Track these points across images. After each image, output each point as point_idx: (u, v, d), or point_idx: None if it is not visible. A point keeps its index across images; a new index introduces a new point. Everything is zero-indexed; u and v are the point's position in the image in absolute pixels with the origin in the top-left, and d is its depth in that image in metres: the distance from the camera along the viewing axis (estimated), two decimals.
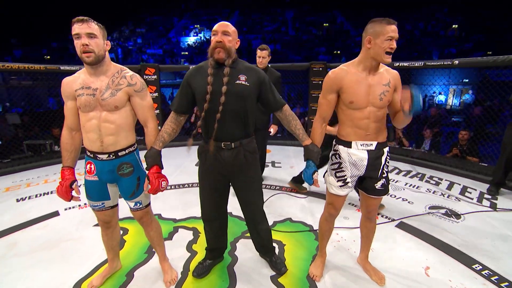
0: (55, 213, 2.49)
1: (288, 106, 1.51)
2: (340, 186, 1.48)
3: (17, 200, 2.79)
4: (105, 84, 1.33)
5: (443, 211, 2.53)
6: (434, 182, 3.24)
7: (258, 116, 1.85)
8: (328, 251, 1.89)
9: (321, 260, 1.74)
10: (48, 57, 14.96)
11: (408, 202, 2.71)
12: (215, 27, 1.35)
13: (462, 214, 2.46)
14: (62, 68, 3.76)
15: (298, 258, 1.86)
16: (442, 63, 3.42)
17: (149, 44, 17.28)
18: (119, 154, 1.38)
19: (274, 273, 1.72)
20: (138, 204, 1.49)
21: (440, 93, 10.56)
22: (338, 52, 15.22)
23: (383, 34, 1.23)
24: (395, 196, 2.83)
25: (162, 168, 1.41)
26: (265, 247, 1.73)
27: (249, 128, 1.45)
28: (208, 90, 1.31)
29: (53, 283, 1.63)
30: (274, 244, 1.96)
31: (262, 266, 1.78)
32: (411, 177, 3.41)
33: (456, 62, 3.33)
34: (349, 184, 1.47)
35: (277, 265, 1.73)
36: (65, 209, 2.55)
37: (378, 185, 1.46)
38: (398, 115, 1.38)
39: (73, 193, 1.39)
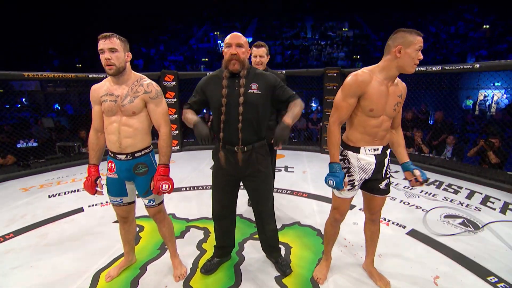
0: (80, 209, 2.71)
1: (299, 100, 1.49)
2: (348, 190, 1.51)
3: (49, 196, 3.06)
4: (125, 92, 1.47)
5: (460, 220, 2.44)
6: (452, 191, 3.11)
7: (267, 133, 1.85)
8: (335, 255, 1.91)
9: (326, 263, 1.76)
10: (80, 65, 16.09)
11: (422, 210, 2.63)
12: (228, 39, 1.43)
13: (481, 225, 2.36)
14: (90, 76, 4.08)
15: (303, 261, 1.89)
16: (461, 67, 3.31)
17: (171, 51, 18.03)
18: (136, 155, 1.52)
19: (279, 274, 1.76)
20: (152, 202, 1.61)
21: (468, 97, 9.98)
22: (358, 56, 14.95)
23: (414, 44, 1.23)
24: (408, 204, 2.77)
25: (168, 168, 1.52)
26: (271, 247, 1.79)
27: (261, 132, 1.54)
28: (223, 102, 1.42)
29: (76, 271, 1.80)
30: (281, 246, 2.01)
31: (268, 266, 1.83)
32: (428, 184, 3.30)
33: (477, 65, 3.20)
34: (356, 187, 1.51)
35: (283, 267, 1.77)
36: (89, 206, 2.77)
37: (382, 185, 1.50)
38: (392, 135, 1.51)
39: (97, 188, 1.55)
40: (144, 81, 1.53)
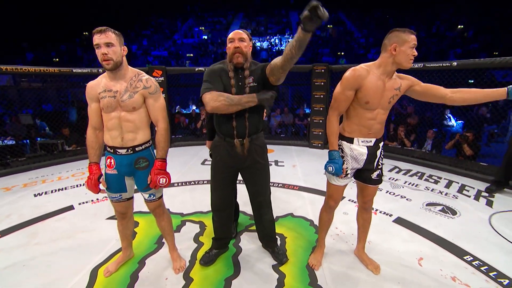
0: (70, 207, 2.64)
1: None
2: (342, 177, 1.60)
3: (35, 195, 2.96)
4: (124, 87, 1.46)
5: (440, 207, 2.62)
6: (433, 181, 3.32)
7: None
8: (328, 243, 2.01)
9: (320, 250, 1.85)
10: (57, 59, 15.32)
11: (407, 199, 2.80)
12: (231, 35, 1.48)
13: (458, 211, 2.55)
14: (74, 70, 3.94)
15: (298, 249, 1.98)
16: (441, 65, 3.51)
17: (154, 46, 17.56)
18: (136, 149, 1.52)
19: (276, 262, 1.83)
20: (152, 196, 1.62)
21: None
22: (342, 53, 15.27)
23: (408, 42, 1.33)
24: (394, 194, 2.93)
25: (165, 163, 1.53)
26: (268, 236, 1.85)
27: (259, 124, 1.60)
28: (233, 92, 1.45)
29: (72, 268, 1.78)
30: (277, 237, 2.09)
31: (265, 256, 1.90)
32: (411, 175, 3.50)
33: (455, 63, 3.41)
34: (349, 176, 1.60)
35: (279, 256, 1.85)
36: (79, 204, 2.71)
37: (374, 175, 1.60)
38: (462, 94, 1.43)
39: (100, 186, 1.53)
40: (143, 76, 1.53)
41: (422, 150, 4.49)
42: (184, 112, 8.83)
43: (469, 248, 1.98)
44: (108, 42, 1.37)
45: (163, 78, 4.63)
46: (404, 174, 3.57)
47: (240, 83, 1.48)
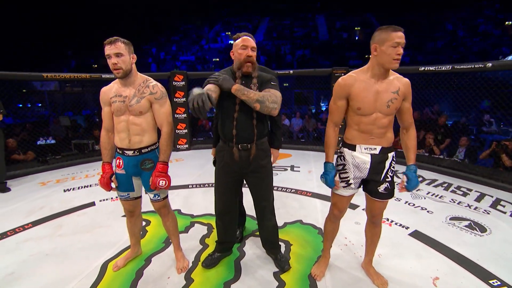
0: (92, 203, 2.85)
1: (274, 90, 1.49)
2: (344, 187, 1.53)
3: (64, 191, 3.24)
4: (132, 93, 1.56)
5: (466, 223, 2.39)
6: (461, 193, 3.04)
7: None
8: (334, 254, 1.93)
9: (324, 260, 1.79)
10: (96, 65, 16.68)
11: (428, 211, 2.60)
12: (243, 42, 1.49)
13: (489, 228, 2.31)
14: (103, 76, 4.25)
15: (303, 258, 1.92)
16: (472, 66, 3.23)
17: (182, 51, 18.37)
18: (142, 151, 1.60)
19: (278, 270, 1.80)
20: (157, 196, 1.69)
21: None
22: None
23: (388, 41, 1.26)
24: (413, 205, 2.74)
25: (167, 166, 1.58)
26: (271, 243, 1.83)
27: (264, 130, 1.60)
28: (238, 101, 1.47)
29: (87, 260, 1.91)
30: (281, 243, 2.05)
31: (267, 262, 1.88)
32: (435, 186, 3.24)
33: (489, 64, 3.12)
34: (352, 186, 1.51)
35: (281, 263, 1.81)
36: (100, 201, 2.91)
37: (381, 188, 1.48)
38: (402, 135, 1.48)
39: (112, 184, 1.64)
40: (150, 82, 1.61)
41: (452, 159, 4.14)
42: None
43: (497, 271, 1.77)
44: (117, 53, 1.47)
45: (184, 82, 4.81)
46: (428, 184, 3.31)
47: None
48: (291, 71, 4.88)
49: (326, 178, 1.49)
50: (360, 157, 1.46)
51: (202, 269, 1.81)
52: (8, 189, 3.27)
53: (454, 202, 2.81)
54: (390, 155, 1.47)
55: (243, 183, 1.77)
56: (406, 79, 1.41)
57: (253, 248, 2.05)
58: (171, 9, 23.40)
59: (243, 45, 1.49)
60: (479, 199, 2.90)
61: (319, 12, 23.01)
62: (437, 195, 2.99)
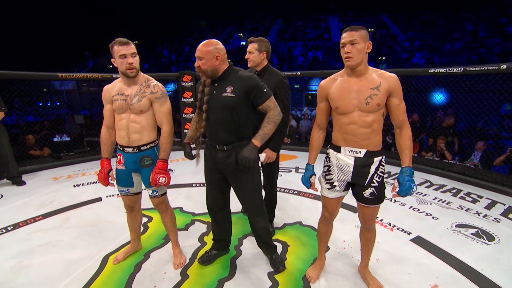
0: (99, 199, 2.95)
1: (275, 110, 1.49)
2: (328, 188, 1.53)
3: (74, 186, 3.37)
4: (134, 92, 1.62)
5: (473, 230, 2.31)
6: (470, 199, 2.93)
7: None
8: (331, 257, 1.92)
9: (319, 263, 1.77)
10: (111, 66, 17.24)
11: (433, 217, 2.52)
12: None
13: (497, 237, 2.21)
14: (114, 76, 4.40)
15: (299, 259, 1.92)
16: (486, 68, 3.11)
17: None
18: (141, 148, 1.66)
19: (272, 270, 1.81)
20: (155, 192, 1.74)
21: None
22: (383, 58, 14.36)
23: (342, 38, 1.33)
24: (418, 210, 2.66)
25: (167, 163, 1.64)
26: (264, 244, 1.83)
27: (243, 133, 1.56)
28: (204, 107, 1.52)
29: (89, 252, 1.99)
30: (279, 244, 2.06)
31: (263, 262, 1.89)
32: (443, 191, 3.14)
33: (504, 66, 2.99)
34: (337, 188, 1.50)
35: (276, 263, 1.81)
36: (107, 196, 3.00)
37: (367, 193, 1.44)
38: (395, 135, 1.43)
39: (109, 179, 1.70)
40: (151, 82, 1.66)
41: (464, 164, 3.99)
42: None
43: (504, 282, 1.69)
44: (133, 53, 1.54)
45: (192, 83, 4.89)
46: (436, 189, 3.21)
47: (213, 94, 1.54)
48: (299, 73, 4.90)
49: (302, 178, 1.59)
50: (344, 160, 1.44)
51: (198, 266, 1.84)
52: (24, 183, 3.44)
53: (462, 208, 2.71)
54: (377, 159, 1.42)
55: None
56: (392, 75, 1.35)
57: (250, 247, 2.06)
58: (185, 13, 23.85)
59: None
60: (489, 206, 2.78)
61: (332, 14, 22.76)
62: (445, 201, 2.89)
